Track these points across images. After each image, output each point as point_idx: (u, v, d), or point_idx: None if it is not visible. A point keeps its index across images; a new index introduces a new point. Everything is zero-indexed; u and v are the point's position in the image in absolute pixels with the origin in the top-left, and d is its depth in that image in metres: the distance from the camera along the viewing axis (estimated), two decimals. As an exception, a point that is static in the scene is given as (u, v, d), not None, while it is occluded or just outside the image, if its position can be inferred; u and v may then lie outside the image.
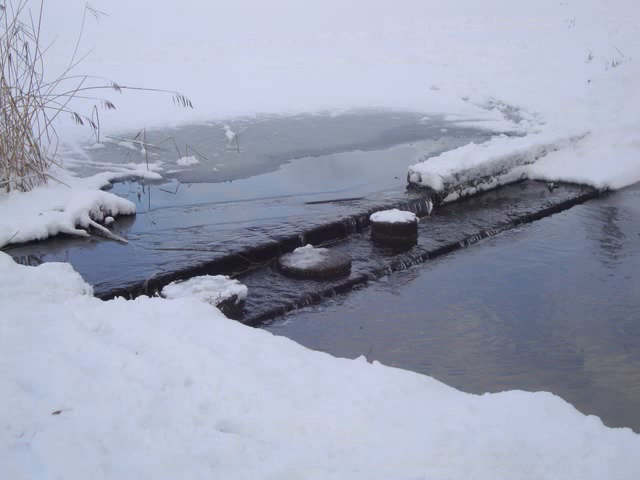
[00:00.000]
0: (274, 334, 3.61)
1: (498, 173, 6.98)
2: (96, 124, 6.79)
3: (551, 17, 20.97)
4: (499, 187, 7.01)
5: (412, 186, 6.54)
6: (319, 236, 5.52)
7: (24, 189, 5.90)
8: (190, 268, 4.76)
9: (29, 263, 4.65)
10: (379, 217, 5.65)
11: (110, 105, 6.40)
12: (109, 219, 5.58)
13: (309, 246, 5.35)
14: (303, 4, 30.54)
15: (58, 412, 2.88)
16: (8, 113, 6.08)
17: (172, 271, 4.70)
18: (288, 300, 4.65)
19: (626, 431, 2.72)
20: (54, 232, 5.19)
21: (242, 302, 4.46)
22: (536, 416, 2.76)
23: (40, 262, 4.65)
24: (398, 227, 5.54)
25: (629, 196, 6.92)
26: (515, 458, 2.53)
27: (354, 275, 5.04)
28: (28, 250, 4.94)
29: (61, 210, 5.43)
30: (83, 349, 3.35)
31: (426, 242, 5.63)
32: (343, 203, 6.11)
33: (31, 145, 6.18)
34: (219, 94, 10.51)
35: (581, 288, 4.93)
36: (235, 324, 3.70)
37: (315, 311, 4.62)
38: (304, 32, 19.99)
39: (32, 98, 6.24)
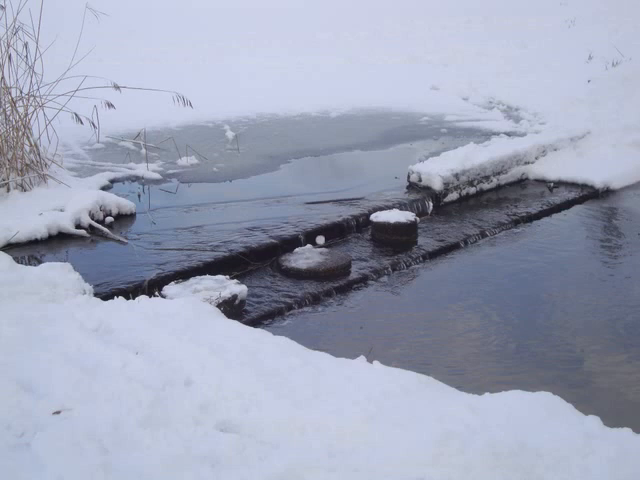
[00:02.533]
0: (274, 334, 3.61)
1: (498, 173, 6.99)
2: (96, 124, 6.80)
3: (551, 17, 20.98)
4: (499, 187, 7.01)
5: (412, 186, 6.54)
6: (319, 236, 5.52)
7: (24, 189, 5.90)
8: (190, 268, 4.76)
9: (29, 263, 4.66)
10: (379, 217, 5.65)
11: (110, 105, 6.40)
12: (109, 219, 5.58)
13: (309, 246, 5.36)
14: (303, 4, 30.55)
15: (58, 412, 2.88)
16: (8, 113, 6.08)
17: (172, 271, 4.70)
18: (288, 300, 4.65)
19: (626, 431, 2.72)
20: (54, 232, 5.19)
21: (242, 302, 4.46)
22: (536, 416, 2.76)
23: (40, 262, 4.65)
24: (398, 227, 5.54)
25: (629, 196, 6.92)
26: (515, 458, 2.53)
27: (354, 275, 5.04)
28: (28, 250, 4.94)
29: (61, 210, 5.43)
30: (83, 349, 3.35)
31: (426, 242, 5.63)
32: (343, 203, 6.11)
33: (31, 145, 6.19)
34: (219, 94, 10.51)
35: (581, 288, 4.93)
36: (235, 324, 3.70)
37: (315, 311, 4.62)
38: (304, 32, 19.99)
39: (32, 98, 6.24)
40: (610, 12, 20.71)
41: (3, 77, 6.06)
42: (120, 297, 4.04)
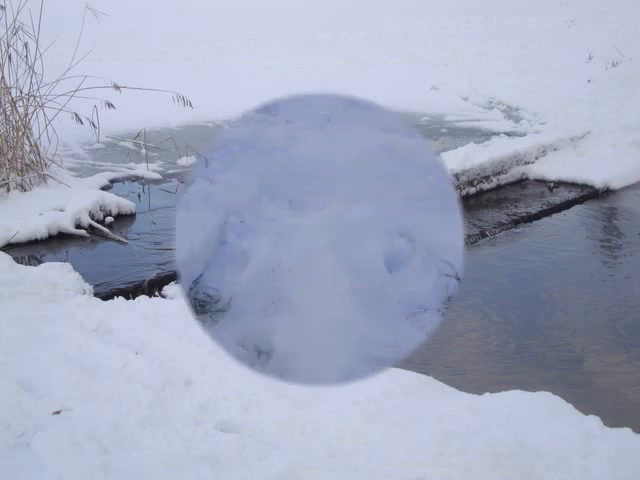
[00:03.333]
0: (274, 334, 3.61)
1: (498, 173, 6.98)
2: (96, 124, 6.79)
3: (551, 17, 20.98)
4: (499, 187, 7.01)
5: (412, 186, 6.54)
6: (319, 236, 5.51)
7: (24, 189, 5.90)
8: (190, 268, 4.75)
9: (29, 263, 4.66)
10: (379, 217, 5.64)
11: (110, 105, 6.40)
12: (109, 219, 5.58)
13: (309, 246, 5.35)
14: (303, 4, 30.55)
15: (58, 412, 2.88)
16: (8, 113, 6.08)
17: (172, 271, 4.69)
18: (288, 300, 4.64)
19: (626, 431, 2.72)
20: (54, 232, 5.19)
21: (242, 302, 4.45)
22: (536, 416, 2.76)
23: (40, 262, 4.65)
24: (398, 227, 5.54)
25: (629, 196, 6.92)
26: (515, 458, 2.53)
27: (354, 275, 5.03)
28: (28, 250, 4.94)
29: (61, 210, 5.43)
30: (83, 349, 3.35)
31: (426, 242, 5.62)
32: (343, 203, 6.10)
33: (31, 145, 6.18)
34: (219, 94, 10.50)
35: (581, 288, 4.93)
36: (235, 324, 3.71)
37: (315, 311, 4.61)
38: (304, 32, 19.99)
39: (32, 98, 6.24)
40: (610, 12, 20.72)
41: (3, 77, 6.06)
42: (120, 297, 4.04)
